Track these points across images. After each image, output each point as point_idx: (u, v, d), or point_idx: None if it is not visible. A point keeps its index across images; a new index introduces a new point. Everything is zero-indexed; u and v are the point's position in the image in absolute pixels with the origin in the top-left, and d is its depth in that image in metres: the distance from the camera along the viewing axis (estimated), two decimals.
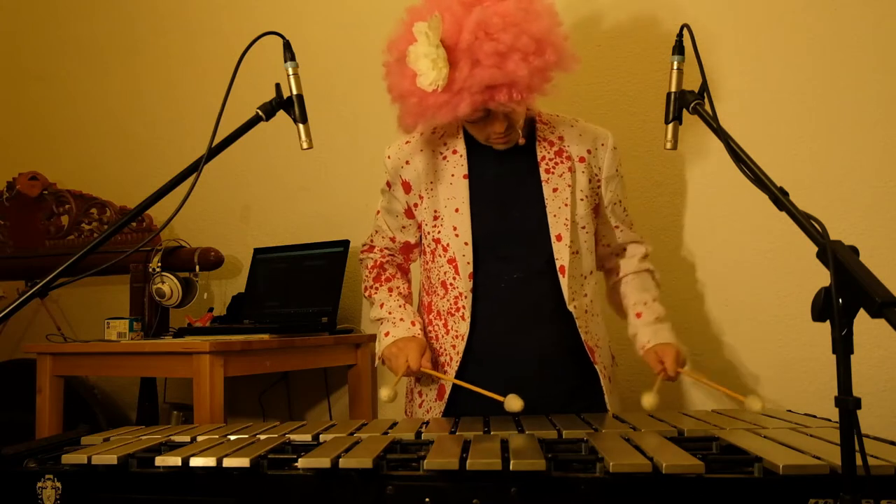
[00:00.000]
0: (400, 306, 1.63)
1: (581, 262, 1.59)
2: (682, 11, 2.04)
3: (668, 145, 1.37)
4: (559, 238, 1.55)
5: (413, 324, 1.59)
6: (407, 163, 1.62)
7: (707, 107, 1.28)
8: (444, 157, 1.60)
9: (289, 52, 1.38)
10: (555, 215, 1.56)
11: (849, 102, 1.92)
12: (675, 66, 1.37)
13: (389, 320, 1.60)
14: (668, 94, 1.36)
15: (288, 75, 1.39)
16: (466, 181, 1.57)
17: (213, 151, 1.31)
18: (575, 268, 1.56)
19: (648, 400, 1.43)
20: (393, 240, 1.70)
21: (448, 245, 1.56)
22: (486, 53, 1.37)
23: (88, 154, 3.03)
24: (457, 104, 1.40)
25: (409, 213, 1.65)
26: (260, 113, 1.37)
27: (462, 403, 1.55)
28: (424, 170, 1.60)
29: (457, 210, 1.56)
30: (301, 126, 1.39)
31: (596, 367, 1.56)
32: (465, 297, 1.54)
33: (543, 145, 1.60)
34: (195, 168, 1.30)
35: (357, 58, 2.54)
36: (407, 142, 1.65)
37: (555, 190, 1.57)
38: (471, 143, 1.60)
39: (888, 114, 1.89)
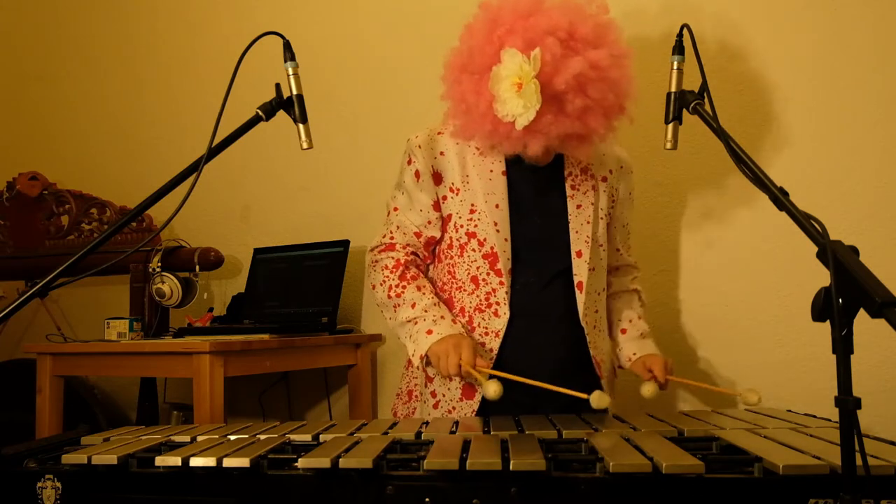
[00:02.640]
0: (435, 304, 1.55)
1: (596, 279, 1.61)
2: (682, 11, 2.04)
3: (668, 145, 1.37)
4: (579, 254, 1.56)
5: (454, 322, 1.54)
6: (441, 153, 1.58)
7: (707, 107, 1.28)
8: (482, 153, 1.58)
9: (289, 52, 1.38)
10: (577, 231, 1.57)
11: (849, 102, 1.92)
12: (674, 66, 1.37)
13: (427, 318, 1.52)
14: (668, 94, 1.36)
15: (288, 75, 1.39)
16: (505, 178, 1.56)
17: (213, 151, 1.31)
18: (591, 284, 1.58)
19: (649, 388, 1.53)
20: (418, 235, 1.62)
21: (485, 240, 1.54)
22: (575, 106, 1.37)
23: (88, 154, 3.03)
24: (528, 143, 1.40)
25: (437, 206, 1.61)
26: (260, 113, 1.37)
27: (497, 403, 1.49)
28: (459, 162, 1.57)
29: (497, 206, 1.54)
30: (301, 126, 1.39)
31: (602, 381, 1.59)
32: (502, 293, 1.53)
33: (570, 161, 1.61)
34: (195, 168, 1.30)
35: (357, 58, 2.54)
36: (439, 132, 1.60)
37: (578, 206, 1.58)
38: None
39: (888, 114, 1.89)
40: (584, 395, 1.27)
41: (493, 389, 1.31)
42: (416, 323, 1.53)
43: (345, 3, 2.58)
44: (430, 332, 1.50)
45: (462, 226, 1.57)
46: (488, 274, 1.54)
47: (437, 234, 1.63)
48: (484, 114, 1.40)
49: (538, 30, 1.35)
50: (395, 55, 2.47)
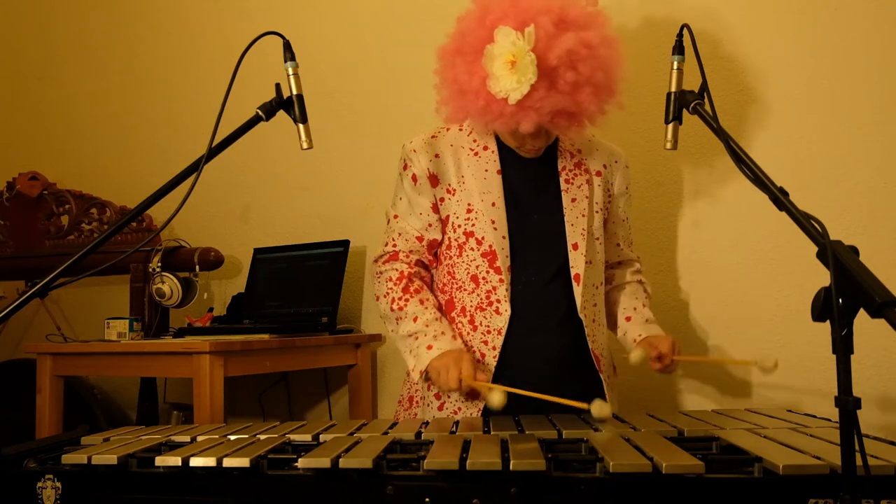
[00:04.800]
0: (437, 319, 1.55)
1: (594, 272, 1.61)
2: (682, 12, 2.04)
3: (668, 145, 1.37)
4: (575, 247, 1.57)
5: (454, 338, 1.53)
6: (436, 156, 1.60)
7: (707, 107, 1.28)
8: (476, 153, 1.60)
9: (289, 52, 1.39)
10: (572, 224, 1.58)
11: (849, 102, 1.92)
12: (674, 66, 1.38)
13: (428, 333, 1.52)
14: (668, 94, 1.37)
15: (288, 75, 1.39)
16: (500, 176, 1.58)
17: (213, 151, 1.32)
18: (588, 277, 1.58)
19: (637, 353, 1.54)
20: (420, 239, 1.63)
21: (483, 238, 1.55)
22: (566, 81, 1.39)
23: (88, 154, 3.03)
24: (521, 119, 1.41)
25: (436, 208, 1.62)
26: (260, 113, 1.37)
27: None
28: (455, 164, 1.60)
29: (493, 204, 1.56)
30: (301, 126, 1.39)
31: (601, 375, 1.59)
32: (502, 291, 1.53)
33: (564, 155, 1.63)
34: (195, 168, 1.30)
35: (357, 58, 2.54)
36: (433, 136, 1.63)
37: (573, 200, 1.59)
38: (500, 141, 1.61)
39: (888, 114, 1.88)
40: (584, 406, 1.25)
41: (497, 399, 1.31)
42: (416, 338, 1.54)
43: (345, 3, 2.58)
44: (430, 347, 1.50)
45: (460, 225, 1.58)
46: (488, 272, 1.55)
47: (439, 237, 1.64)
48: (477, 91, 1.42)
49: (531, 11, 1.38)
50: (395, 55, 2.47)
